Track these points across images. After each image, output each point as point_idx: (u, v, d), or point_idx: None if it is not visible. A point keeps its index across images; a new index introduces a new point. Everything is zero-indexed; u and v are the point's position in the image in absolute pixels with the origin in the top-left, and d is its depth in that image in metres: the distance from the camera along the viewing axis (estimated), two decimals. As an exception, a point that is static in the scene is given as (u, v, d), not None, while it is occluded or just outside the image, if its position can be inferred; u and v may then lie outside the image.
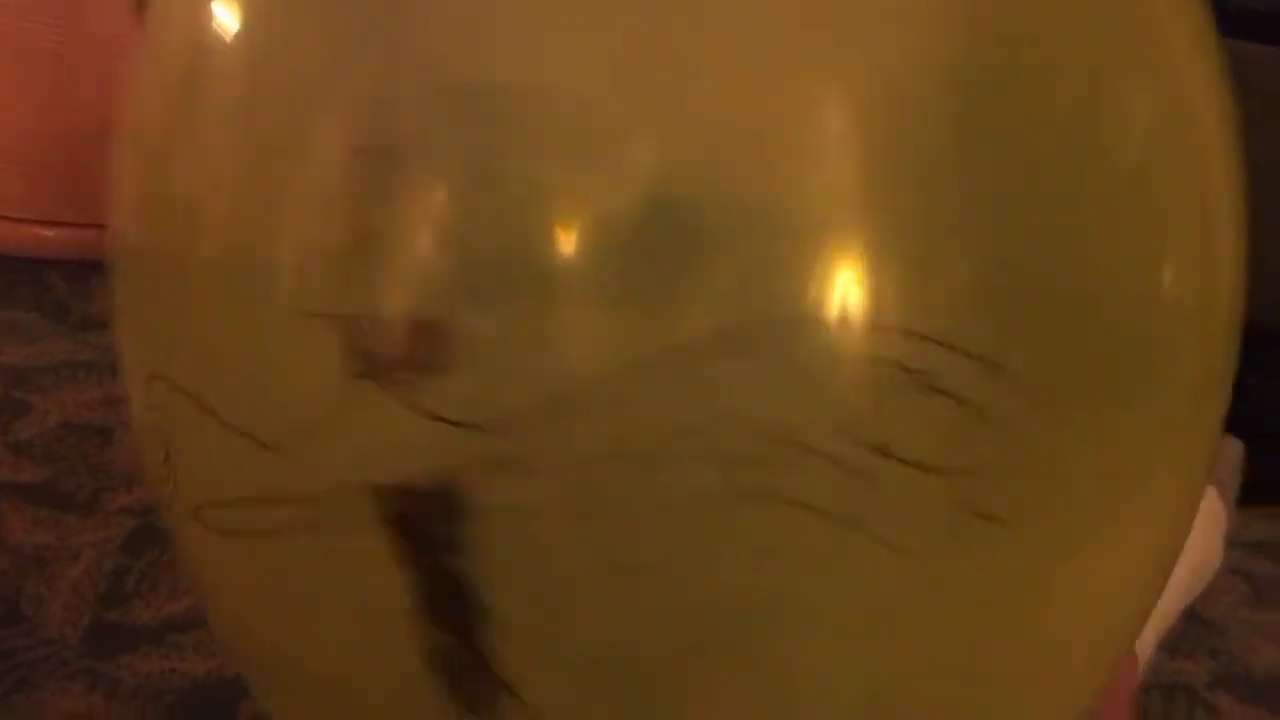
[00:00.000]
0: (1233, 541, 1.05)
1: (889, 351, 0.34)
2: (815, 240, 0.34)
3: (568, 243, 0.32)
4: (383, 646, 0.38)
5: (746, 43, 0.35)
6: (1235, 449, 1.09)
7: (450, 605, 0.33)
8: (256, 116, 0.39)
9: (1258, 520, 1.14)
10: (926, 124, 0.36)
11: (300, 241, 0.36)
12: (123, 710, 0.77)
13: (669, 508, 0.33)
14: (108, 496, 1.00)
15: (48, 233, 1.41)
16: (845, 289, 0.33)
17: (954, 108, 0.36)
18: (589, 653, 0.37)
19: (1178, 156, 0.41)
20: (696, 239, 0.33)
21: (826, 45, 0.36)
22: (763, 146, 0.34)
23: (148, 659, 0.82)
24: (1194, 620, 1.02)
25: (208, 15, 0.41)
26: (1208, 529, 1.01)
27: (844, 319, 0.33)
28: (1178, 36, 0.42)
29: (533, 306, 0.33)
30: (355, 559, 0.35)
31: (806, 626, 0.37)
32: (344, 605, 0.37)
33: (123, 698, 0.78)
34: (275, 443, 0.35)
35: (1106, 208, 0.38)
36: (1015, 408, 0.36)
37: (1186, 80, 0.42)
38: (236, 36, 0.40)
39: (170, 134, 0.41)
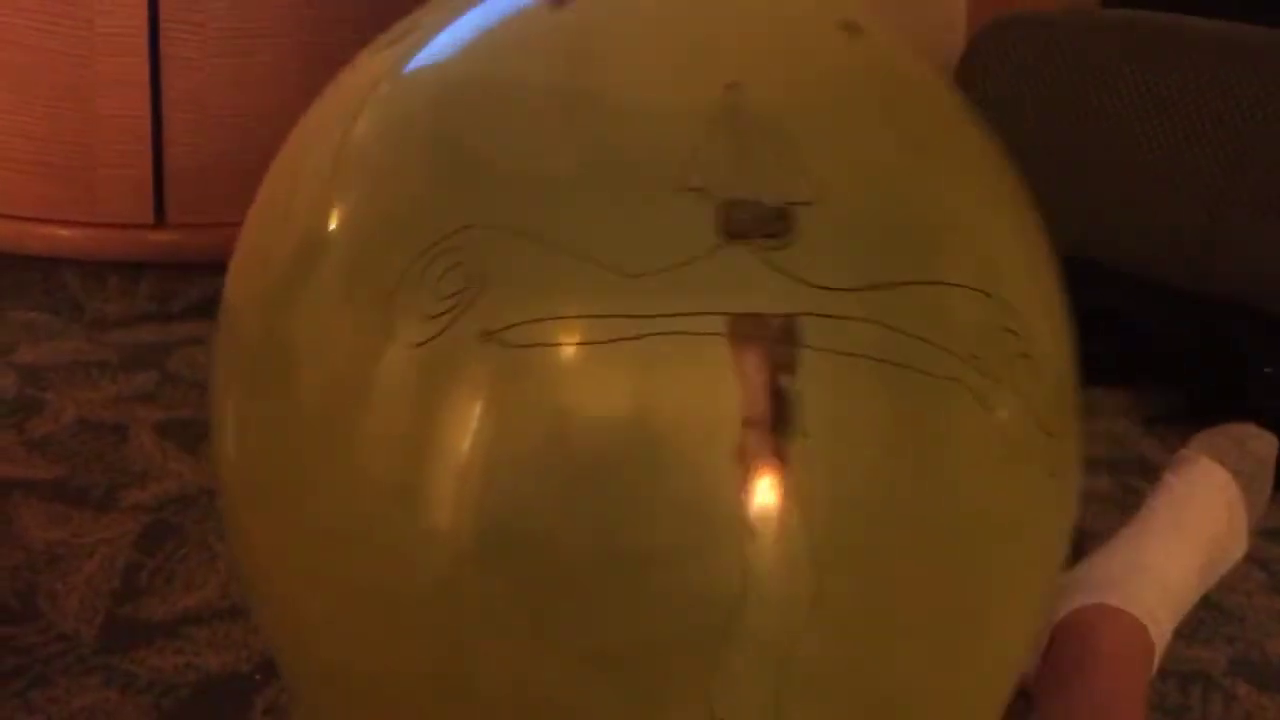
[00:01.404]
0: (1251, 530, 1.05)
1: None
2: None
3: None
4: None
5: None
6: (1270, 443, 1.08)
7: (773, 411, 0.45)
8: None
9: (1274, 508, 1.14)
10: None
11: None
12: (138, 704, 0.77)
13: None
14: (122, 493, 1.01)
15: (63, 232, 1.41)
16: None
17: None
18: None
19: None
20: None
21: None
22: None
23: (162, 654, 0.82)
24: (1211, 607, 1.01)
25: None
26: (1228, 516, 1.01)
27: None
28: None
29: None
30: (699, 364, 0.45)
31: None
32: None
33: (138, 692, 0.78)
34: (640, 272, 0.46)
35: None
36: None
37: None
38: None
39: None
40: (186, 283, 1.39)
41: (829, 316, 0.45)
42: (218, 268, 0.61)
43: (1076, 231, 1.50)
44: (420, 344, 0.47)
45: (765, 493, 0.45)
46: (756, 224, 0.46)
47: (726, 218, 0.46)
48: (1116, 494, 1.24)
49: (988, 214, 0.53)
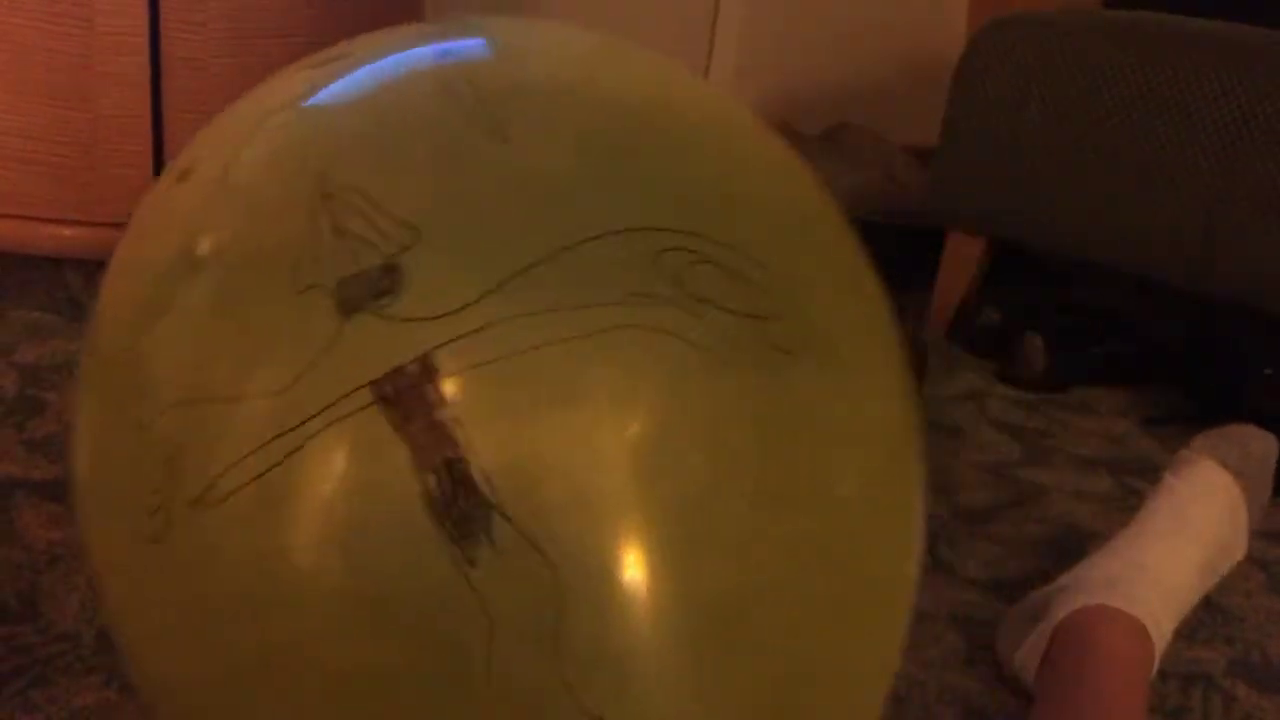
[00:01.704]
0: (1250, 531, 1.05)
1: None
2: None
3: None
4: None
5: None
6: (1270, 444, 1.09)
7: (440, 449, 0.46)
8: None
9: (1274, 510, 1.14)
10: None
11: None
12: (138, 704, 0.77)
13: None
14: (123, 493, 1.01)
15: (66, 232, 1.41)
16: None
17: None
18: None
19: None
20: None
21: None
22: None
23: (163, 654, 0.82)
24: (1211, 608, 1.01)
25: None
26: (1230, 518, 1.01)
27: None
28: None
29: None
30: (363, 445, 0.46)
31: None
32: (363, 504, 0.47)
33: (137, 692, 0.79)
34: (284, 386, 0.47)
35: None
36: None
37: None
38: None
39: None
40: (187, 282, 1.39)
41: (462, 337, 0.46)
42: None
43: (1076, 231, 1.50)
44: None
45: (474, 526, 0.46)
46: (367, 290, 0.48)
47: (339, 297, 0.48)
48: (1116, 494, 1.24)
49: (620, 162, 0.52)
